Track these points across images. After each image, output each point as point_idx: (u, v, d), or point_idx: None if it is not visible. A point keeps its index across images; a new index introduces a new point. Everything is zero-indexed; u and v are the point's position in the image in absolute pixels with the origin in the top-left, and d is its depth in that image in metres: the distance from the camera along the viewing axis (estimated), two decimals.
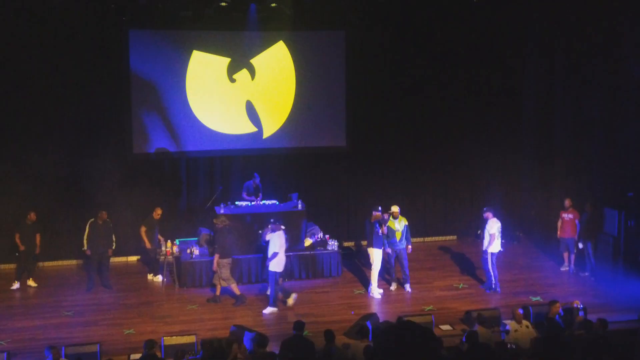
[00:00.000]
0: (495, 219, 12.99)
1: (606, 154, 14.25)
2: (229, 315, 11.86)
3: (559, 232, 14.34)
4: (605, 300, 12.34)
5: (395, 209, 13.17)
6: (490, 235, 12.92)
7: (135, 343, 10.49)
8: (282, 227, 12.46)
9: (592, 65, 14.53)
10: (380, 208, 12.91)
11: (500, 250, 13.14)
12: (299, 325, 9.24)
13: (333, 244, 14.16)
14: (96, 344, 9.94)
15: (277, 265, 12.16)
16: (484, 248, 13.05)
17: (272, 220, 12.49)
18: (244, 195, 14.65)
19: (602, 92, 14.37)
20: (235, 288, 12.59)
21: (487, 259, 13.00)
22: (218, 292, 12.63)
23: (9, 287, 13.38)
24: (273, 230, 12.29)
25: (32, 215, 13.50)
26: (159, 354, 9.69)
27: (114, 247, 13.53)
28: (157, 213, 13.81)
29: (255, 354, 9.30)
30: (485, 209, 13.25)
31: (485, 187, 16.94)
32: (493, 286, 13.07)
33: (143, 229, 13.69)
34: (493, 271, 13.03)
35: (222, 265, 12.53)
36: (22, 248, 13.38)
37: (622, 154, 13.84)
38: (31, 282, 13.54)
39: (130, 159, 15.08)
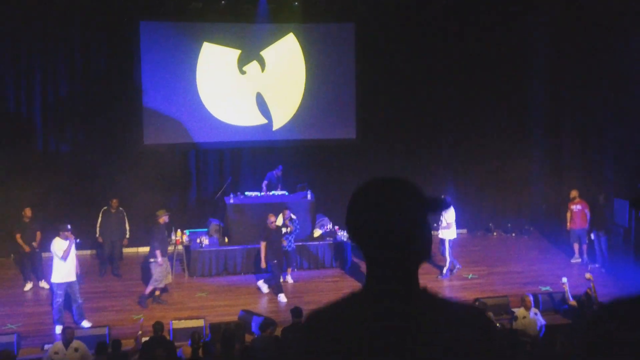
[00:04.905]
0: (451, 207, 13.07)
1: (616, 143, 14.17)
2: (238, 302, 11.87)
3: (568, 224, 14.27)
4: (615, 290, 12.28)
5: None
6: (448, 223, 13.05)
7: (144, 328, 10.51)
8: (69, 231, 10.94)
9: (601, 55, 14.46)
10: None
11: (455, 238, 13.48)
12: (297, 312, 9.36)
13: (342, 235, 14.17)
14: (105, 327, 10.02)
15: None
16: (442, 237, 13.23)
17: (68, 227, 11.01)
18: (264, 184, 14.64)
19: (610, 81, 14.30)
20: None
21: (445, 246, 13.20)
22: (158, 292, 12.07)
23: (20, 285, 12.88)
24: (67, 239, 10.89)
25: (28, 212, 12.76)
26: (167, 337, 9.76)
27: (127, 236, 13.60)
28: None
29: (259, 337, 9.38)
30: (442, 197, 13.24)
31: (494, 180, 16.90)
32: (446, 272, 13.31)
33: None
34: (450, 257, 13.28)
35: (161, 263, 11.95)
36: (27, 249, 12.61)
37: (632, 144, 13.77)
38: (44, 284, 12.67)
39: (141, 150, 15.15)
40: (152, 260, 11.87)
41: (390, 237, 1.82)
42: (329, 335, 1.84)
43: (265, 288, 12.42)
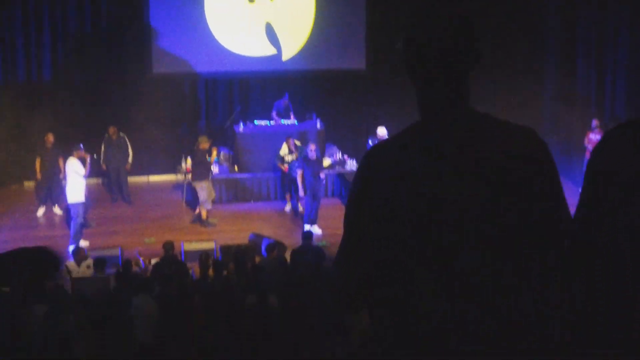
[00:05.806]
0: None
1: (630, 75, 13.95)
2: (248, 227, 11.95)
3: (586, 154, 14.13)
4: None
5: (381, 131, 13.12)
6: None
7: (155, 250, 10.64)
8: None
9: None
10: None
11: None
12: (308, 235, 9.70)
13: (352, 164, 14.17)
14: (117, 247, 10.13)
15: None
16: None
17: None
18: (274, 114, 14.57)
19: (627, 13, 14.01)
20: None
21: None
22: (205, 213, 12.43)
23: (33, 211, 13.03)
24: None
25: (50, 137, 12.94)
26: (178, 257, 9.88)
27: (130, 161, 13.65)
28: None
29: (265, 259, 9.50)
30: None
31: (505, 112, 16.74)
32: None
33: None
34: None
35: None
36: (39, 177, 12.86)
37: None
38: (57, 210, 12.94)
39: (150, 78, 15.05)
40: (201, 185, 12.23)
41: (455, 44, 1.97)
42: (385, 156, 1.94)
43: (316, 229, 11.86)
